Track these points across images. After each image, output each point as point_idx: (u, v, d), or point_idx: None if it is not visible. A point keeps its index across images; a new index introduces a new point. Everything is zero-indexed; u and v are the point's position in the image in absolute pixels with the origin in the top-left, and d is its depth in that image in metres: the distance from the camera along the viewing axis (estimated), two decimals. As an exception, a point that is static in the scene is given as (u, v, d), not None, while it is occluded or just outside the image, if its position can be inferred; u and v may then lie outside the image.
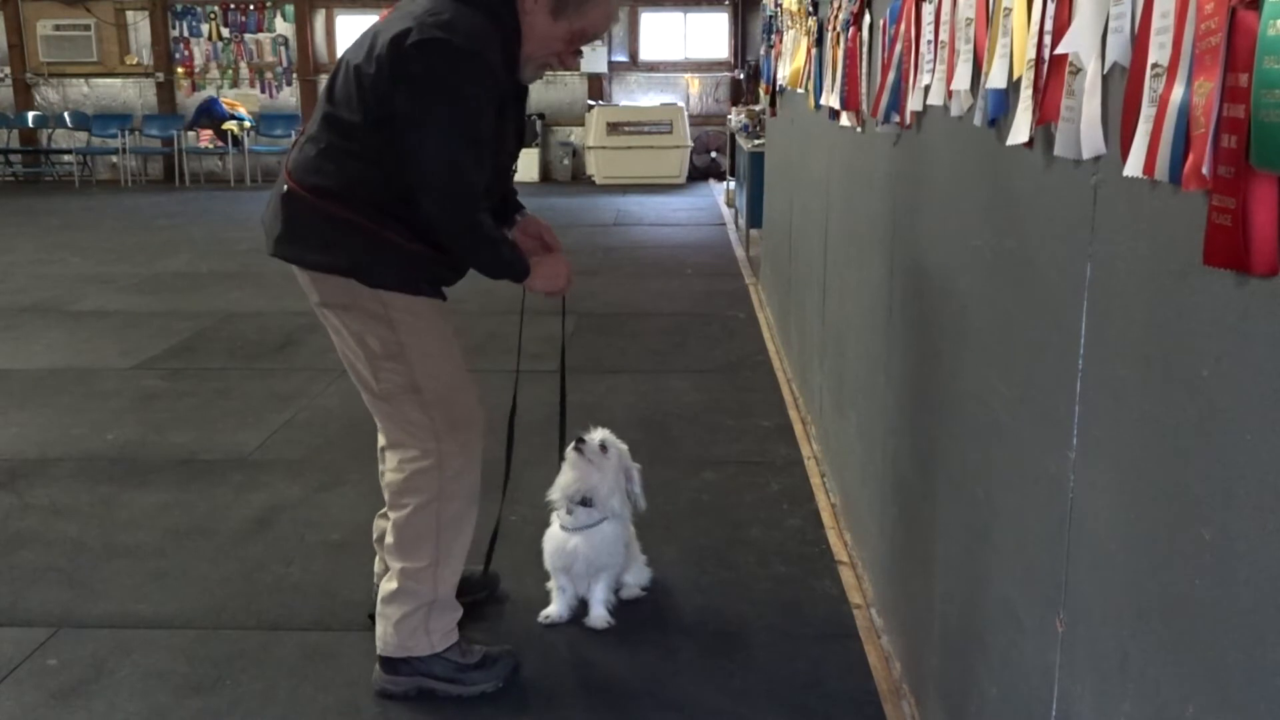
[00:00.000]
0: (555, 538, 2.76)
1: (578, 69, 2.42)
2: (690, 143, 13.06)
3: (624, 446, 2.81)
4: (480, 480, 2.49)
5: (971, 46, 1.83)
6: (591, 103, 13.28)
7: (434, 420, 2.37)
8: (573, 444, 2.72)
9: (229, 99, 13.68)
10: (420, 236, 2.28)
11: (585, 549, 2.71)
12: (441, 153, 2.16)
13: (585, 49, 2.42)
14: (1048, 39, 1.42)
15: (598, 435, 2.75)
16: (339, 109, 2.27)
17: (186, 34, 13.87)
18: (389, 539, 2.44)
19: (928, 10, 2.12)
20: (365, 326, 2.34)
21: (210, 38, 13.86)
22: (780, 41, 5.33)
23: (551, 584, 2.81)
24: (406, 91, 2.15)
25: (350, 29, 13.86)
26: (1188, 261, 1.10)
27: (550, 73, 2.54)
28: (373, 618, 2.51)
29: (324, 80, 13.43)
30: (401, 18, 2.20)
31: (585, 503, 2.71)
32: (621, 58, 13.88)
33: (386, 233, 2.27)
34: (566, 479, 2.73)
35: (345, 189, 2.27)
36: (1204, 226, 1.01)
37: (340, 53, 13.44)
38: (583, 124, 13.17)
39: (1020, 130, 1.53)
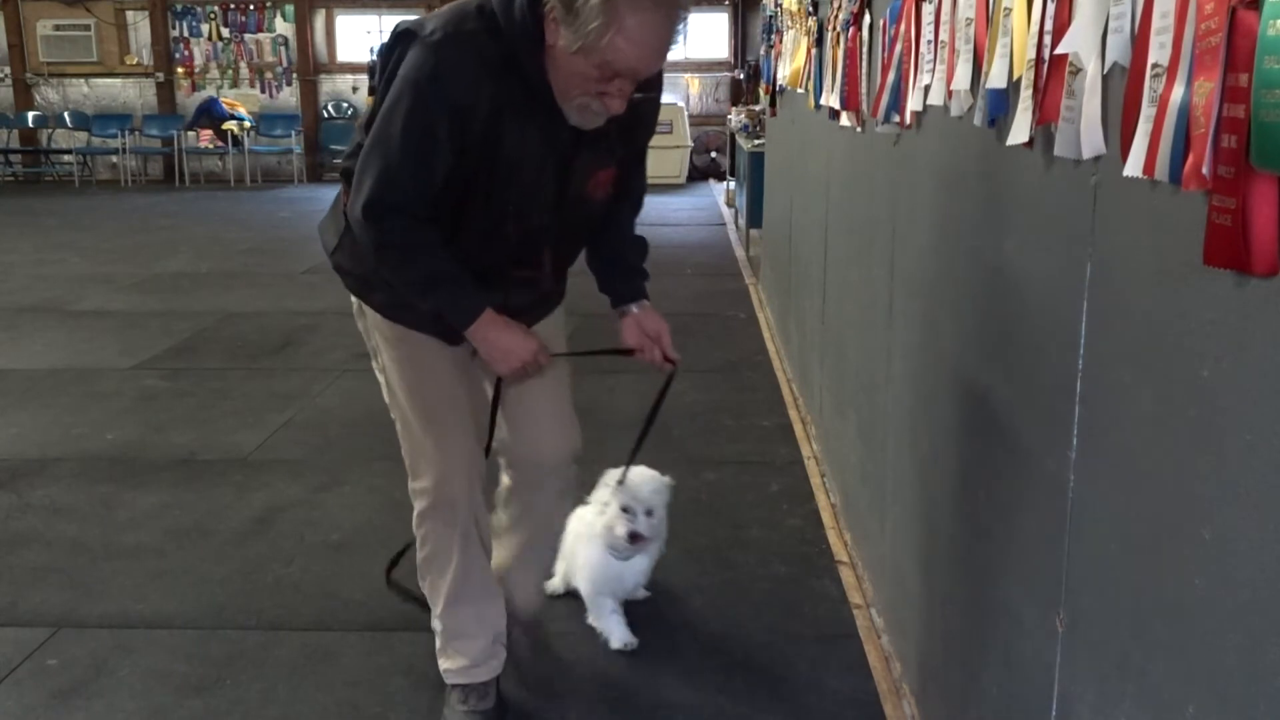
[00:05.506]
0: (610, 566, 2.63)
1: (622, 110, 1.97)
2: (690, 143, 13.06)
3: (663, 485, 2.65)
4: (461, 545, 2.26)
5: (971, 46, 1.83)
6: (591, 103, 13.26)
7: (407, 454, 2.28)
8: (627, 533, 2.55)
9: (229, 99, 13.68)
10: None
11: (641, 571, 2.68)
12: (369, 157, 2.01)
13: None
14: (1048, 39, 1.42)
15: (641, 510, 2.57)
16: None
17: (186, 34, 13.87)
18: None
19: (928, 10, 2.12)
20: (364, 329, 2.34)
21: (210, 38, 13.85)
22: (780, 41, 5.33)
23: (593, 618, 2.70)
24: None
25: (350, 29, 13.86)
26: (1188, 261, 1.10)
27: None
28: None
29: (324, 80, 13.20)
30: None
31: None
32: (621, 58, 13.86)
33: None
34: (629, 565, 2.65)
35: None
36: (1204, 226, 1.01)
37: (340, 53, 13.23)
38: (583, 124, 13.14)
39: (1020, 130, 1.53)
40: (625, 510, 2.55)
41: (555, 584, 2.81)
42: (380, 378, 2.31)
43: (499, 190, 2.02)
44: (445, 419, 2.23)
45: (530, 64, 1.92)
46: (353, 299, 2.30)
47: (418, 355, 2.23)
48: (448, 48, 1.90)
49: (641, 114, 2.13)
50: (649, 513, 2.57)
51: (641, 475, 2.61)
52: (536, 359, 2.14)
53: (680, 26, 1.89)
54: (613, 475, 2.60)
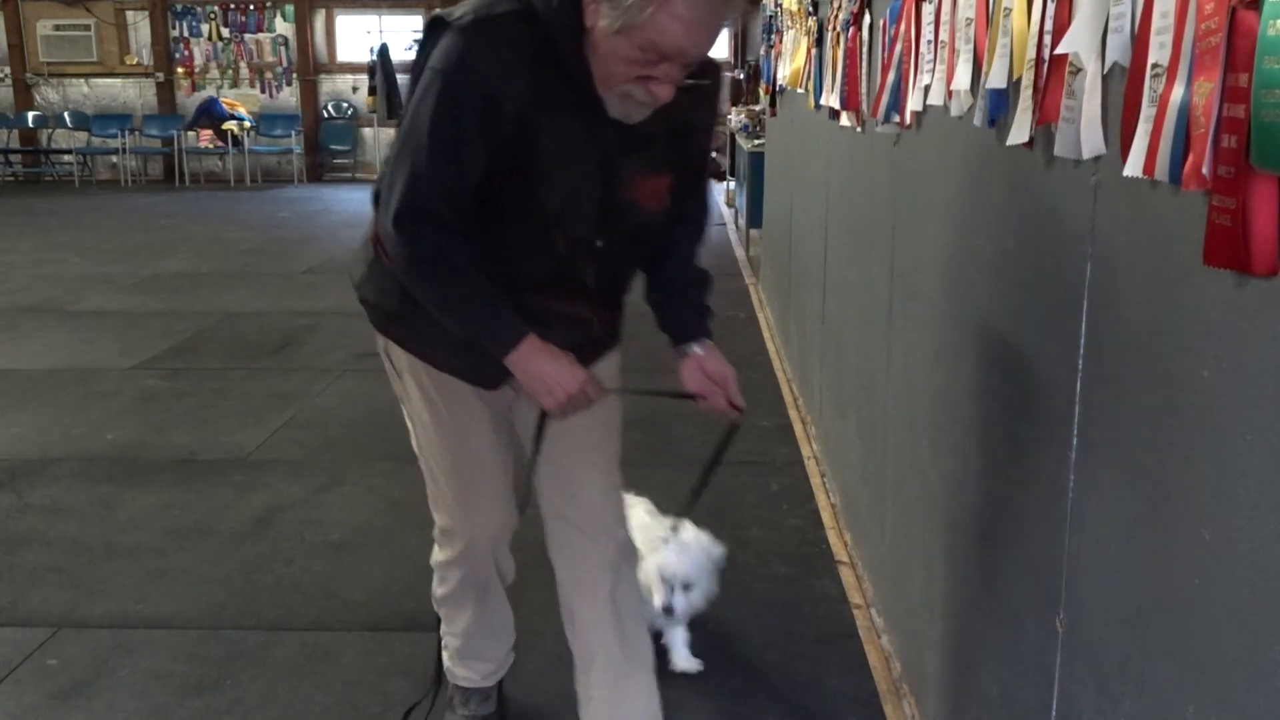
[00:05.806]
0: (645, 605, 2.50)
1: (670, 99, 1.75)
2: (690, 143, 13.03)
3: (709, 558, 2.56)
4: (480, 592, 2.24)
5: (971, 46, 1.83)
6: (591, 103, 13.24)
7: (432, 501, 2.19)
8: (661, 607, 2.47)
9: (229, 99, 13.68)
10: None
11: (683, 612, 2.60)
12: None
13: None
14: (1048, 39, 1.42)
15: (679, 584, 2.49)
16: None
17: (186, 34, 13.87)
18: None
19: (928, 10, 2.12)
20: (391, 371, 2.15)
21: (210, 38, 13.85)
22: (780, 41, 5.33)
23: None
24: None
25: (350, 29, 13.86)
26: (1188, 261, 1.10)
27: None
28: None
29: (324, 80, 13.14)
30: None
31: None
32: (621, 58, 13.85)
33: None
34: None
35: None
36: (1204, 226, 1.01)
37: (340, 53, 13.14)
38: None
39: (1020, 130, 1.53)
40: (664, 579, 2.47)
41: None
42: (409, 423, 2.15)
43: (537, 193, 1.84)
44: (474, 482, 2.11)
45: (569, 50, 1.74)
46: (379, 338, 2.11)
47: (450, 411, 2.06)
48: (477, 33, 1.74)
49: (693, 110, 1.93)
50: (687, 587, 2.48)
51: (687, 546, 2.50)
52: (585, 391, 1.91)
53: (732, 2, 1.69)
54: (663, 524, 2.54)
